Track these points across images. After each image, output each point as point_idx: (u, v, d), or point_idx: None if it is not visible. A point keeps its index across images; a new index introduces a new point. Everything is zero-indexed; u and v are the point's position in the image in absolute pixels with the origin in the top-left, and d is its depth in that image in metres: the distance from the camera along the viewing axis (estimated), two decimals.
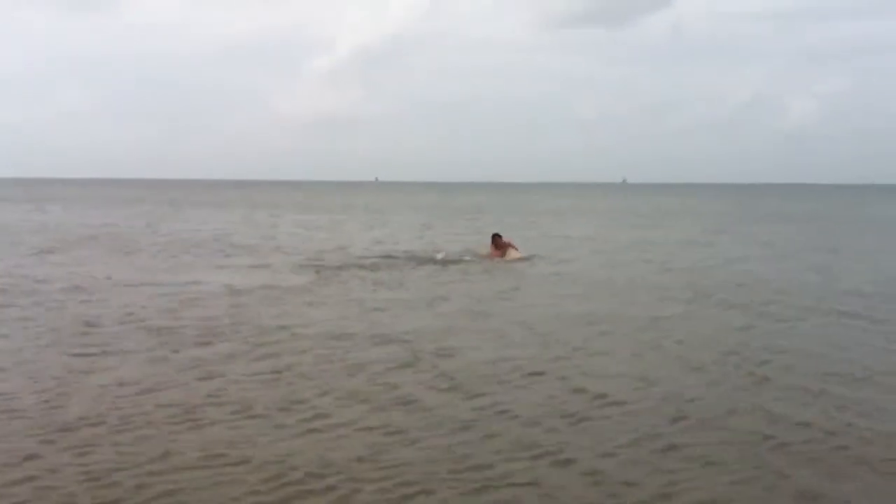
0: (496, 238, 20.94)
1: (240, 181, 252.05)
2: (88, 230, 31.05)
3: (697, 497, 5.56)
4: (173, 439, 6.52)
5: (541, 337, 10.74)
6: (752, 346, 10.27)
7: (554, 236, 29.78)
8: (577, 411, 7.37)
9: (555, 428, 6.89)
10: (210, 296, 13.98)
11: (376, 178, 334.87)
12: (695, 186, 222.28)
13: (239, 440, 6.51)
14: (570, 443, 6.52)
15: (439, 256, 20.50)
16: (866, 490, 5.71)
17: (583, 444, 6.49)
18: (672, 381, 8.49)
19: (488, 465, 6.03)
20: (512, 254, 20.34)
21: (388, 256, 20.99)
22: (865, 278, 17.49)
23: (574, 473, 5.90)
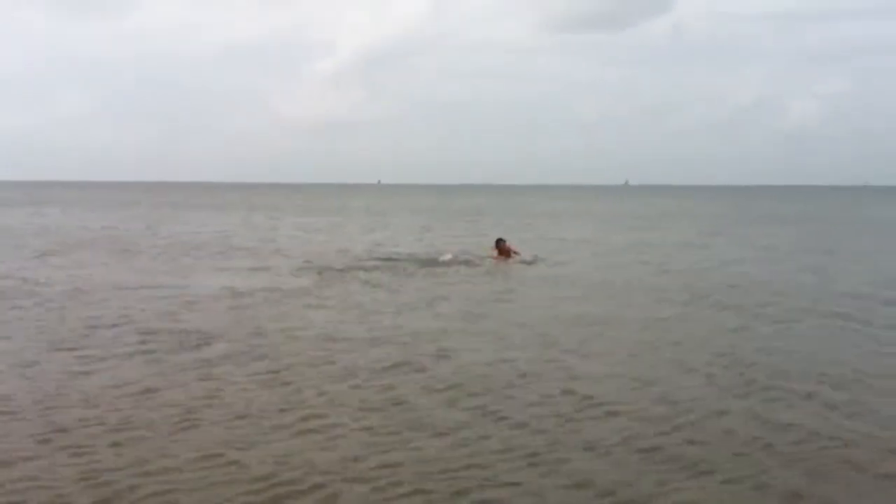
0: (500, 243, 21.08)
1: (240, 184, 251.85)
2: (88, 233, 31.14)
3: (684, 498, 5.61)
4: (170, 440, 6.59)
5: (538, 338, 10.82)
6: (746, 348, 10.34)
7: (553, 239, 29.85)
8: (570, 413, 7.43)
9: (546, 429, 6.95)
10: (209, 298, 14.07)
11: (379, 181, 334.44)
12: (696, 188, 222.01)
13: (236, 441, 6.58)
14: (561, 444, 6.58)
15: (445, 258, 20.62)
16: (852, 491, 5.77)
17: (573, 446, 6.55)
18: (665, 382, 8.56)
19: (479, 465, 6.09)
20: (515, 258, 20.46)
21: (388, 259, 21.08)
22: (862, 280, 17.58)
23: (562, 475, 5.95)
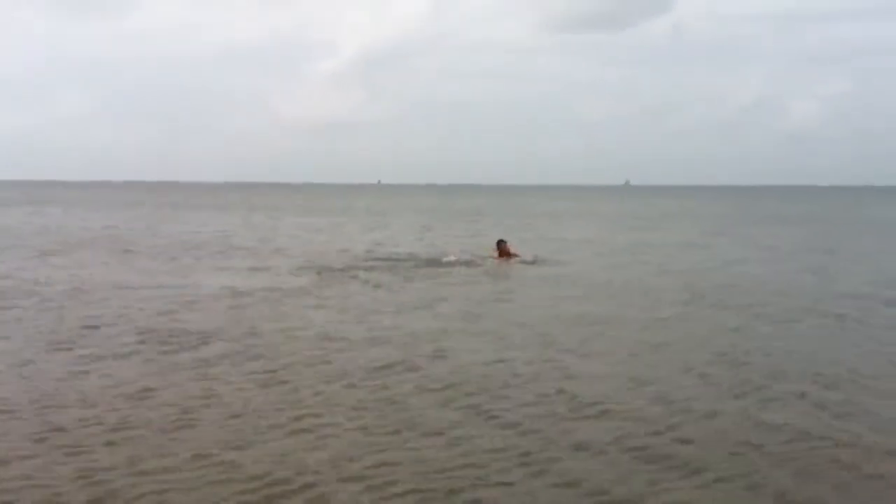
0: (500, 244, 21.07)
1: (241, 184, 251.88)
2: (89, 233, 31.16)
3: (674, 498, 5.59)
4: (166, 439, 6.59)
5: (537, 338, 10.81)
6: (744, 348, 10.32)
7: (553, 239, 29.84)
8: (564, 413, 7.43)
9: (540, 429, 6.94)
10: (209, 298, 14.06)
11: (379, 181, 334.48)
12: (697, 188, 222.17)
13: (232, 440, 6.58)
14: (554, 444, 6.57)
15: (449, 259, 20.62)
16: (842, 492, 5.75)
17: (566, 446, 6.54)
18: (661, 382, 8.55)
19: (472, 465, 6.09)
20: (515, 259, 20.42)
21: (388, 259, 21.08)
22: (863, 280, 17.57)
23: (554, 475, 5.95)
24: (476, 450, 6.41)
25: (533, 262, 20.22)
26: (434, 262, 20.08)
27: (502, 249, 20.81)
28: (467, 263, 19.94)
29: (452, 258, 20.71)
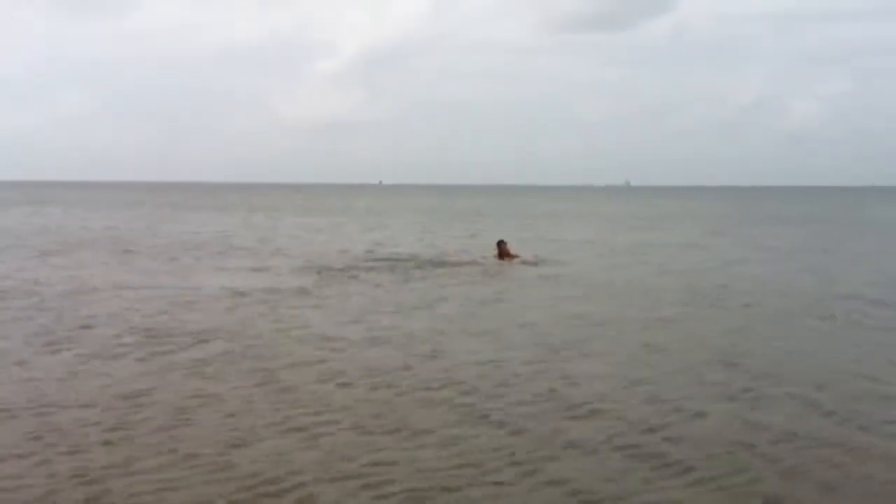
0: (501, 244, 21.04)
1: (242, 184, 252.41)
2: (89, 233, 31.14)
3: (663, 498, 5.58)
4: (162, 439, 6.57)
5: (536, 338, 10.79)
6: (742, 348, 10.29)
7: (554, 240, 29.81)
8: (557, 412, 7.41)
9: (533, 429, 6.92)
10: (209, 298, 14.04)
11: (380, 182, 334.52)
12: (697, 189, 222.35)
13: (227, 440, 6.57)
14: (546, 444, 6.56)
15: (451, 259, 20.56)
16: (830, 492, 5.73)
17: (557, 445, 6.52)
18: (658, 383, 8.52)
19: (465, 465, 6.08)
20: (516, 260, 20.38)
21: (388, 259, 21.05)
22: (863, 280, 17.54)
23: (544, 474, 5.94)
24: (470, 449, 6.40)
25: (533, 263, 20.19)
26: (434, 263, 20.07)
27: (502, 250, 20.79)
28: (466, 263, 19.92)
29: (455, 258, 20.68)
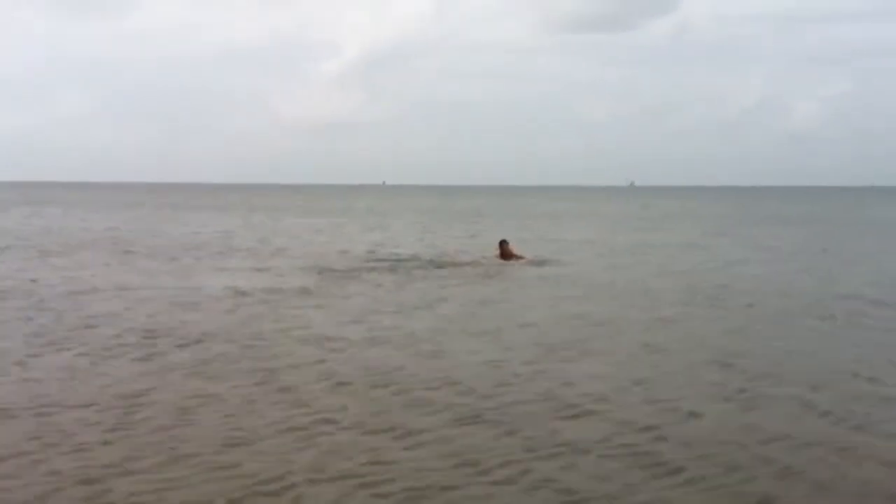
0: (503, 244, 21.03)
1: (242, 185, 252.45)
2: (89, 234, 31.14)
3: (654, 497, 5.59)
4: (163, 439, 6.58)
5: (535, 339, 10.78)
6: (742, 349, 10.27)
7: (555, 240, 29.80)
8: (555, 413, 7.40)
9: (530, 429, 6.92)
10: (209, 298, 14.04)
11: (384, 182, 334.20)
12: (698, 189, 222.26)
13: (226, 439, 6.58)
14: (540, 444, 6.56)
15: (451, 259, 20.55)
16: (824, 492, 5.73)
17: (552, 445, 6.52)
18: (656, 383, 8.51)
19: (458, 465, 6.09)
20: (519, 261, 20.38)
21: (389, 259, 21.04)
22: (863, 281, 17.52)
23: (534, 474, 5.95)
24: (468, 449, 6.42)
25: (534, 263, 20.19)
26: (434, 263, 20.05)
27: (504, 250, 20.77)
28: (467, 264, 19.91)
29: (455, 258, 20.67)
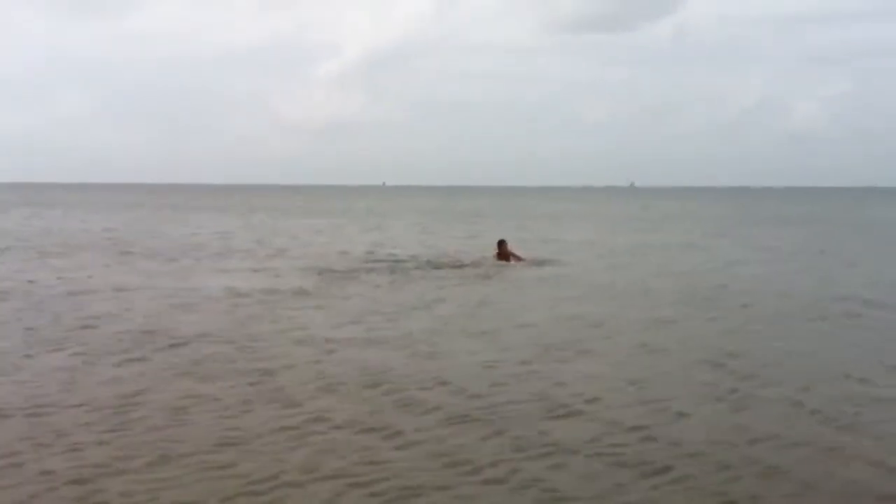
0: (502, 244, 21.03)
1: (243, 185, 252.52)
2: (89, 235, 31.17)
3: (644, 497, 5.59)
4: (159, 439, 6.59)
5: (533, 339, 10.78)
6: (740, 350, 10.25)
7: (555, 240, 29.79)
8: (547, 414, 7.40)
9: (521, 429, 6.93)
10: (208, 299, 14.05)
11: (384, 183, 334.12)
12: (698, 189, 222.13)
13: (222, 439, 6.59)
14: (532, 444, 6.57)
15: (451, 260, 20.56)
16: (810, 492, 5.74)
17: (541, 445, 6.53)
18: (651, 384, 8.51)
19: (451, 465, 6.11)
20: (519, 263, 20.36)
21: (388, 260, 21.05)
22: (863, 281, 17.52)
23: (524, 473, 5.97)
24: (459, 448, 6.44)
25: (533, 263, 20.18)
26: (433, 264, 20.06)
27: (503, 250, 20.76)
28: (466, 264, 19.91)
29: (455, 259, 20.67)
